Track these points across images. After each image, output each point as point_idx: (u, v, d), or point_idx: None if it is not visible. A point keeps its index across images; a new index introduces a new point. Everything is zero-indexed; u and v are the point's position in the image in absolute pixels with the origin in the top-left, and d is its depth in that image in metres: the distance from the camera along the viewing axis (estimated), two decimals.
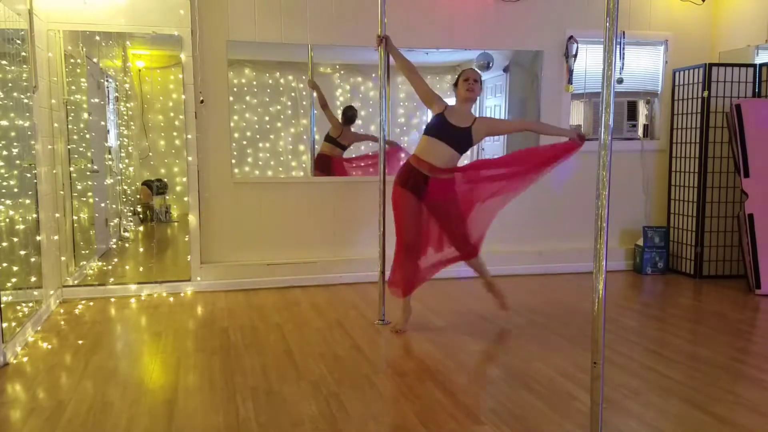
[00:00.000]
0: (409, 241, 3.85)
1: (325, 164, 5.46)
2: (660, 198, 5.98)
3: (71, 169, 4.76)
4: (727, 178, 5.40)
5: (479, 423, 2.63)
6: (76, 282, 4.83)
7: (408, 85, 5.77)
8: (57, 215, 4.62)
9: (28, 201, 3.92)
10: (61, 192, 4.69)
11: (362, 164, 5.61)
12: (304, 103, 5.51)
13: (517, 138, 5.86)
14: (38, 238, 4.09)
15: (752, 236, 4.94)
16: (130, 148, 5.39)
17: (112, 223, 5.39)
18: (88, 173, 5.02)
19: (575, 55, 5.61)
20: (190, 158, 4.95)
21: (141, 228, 5.50)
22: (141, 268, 5.17)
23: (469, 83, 3.82)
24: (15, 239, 3.70)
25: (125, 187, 5.40)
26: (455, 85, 3.92)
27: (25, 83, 3.93)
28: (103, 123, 5.23)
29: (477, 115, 3.89)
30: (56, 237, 4.60)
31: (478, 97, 3.88)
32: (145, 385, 3.08)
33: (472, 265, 4.06)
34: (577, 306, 4.58)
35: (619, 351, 3.53)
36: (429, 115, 5.81)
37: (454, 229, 3.91)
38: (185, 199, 5.00)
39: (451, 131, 3.81)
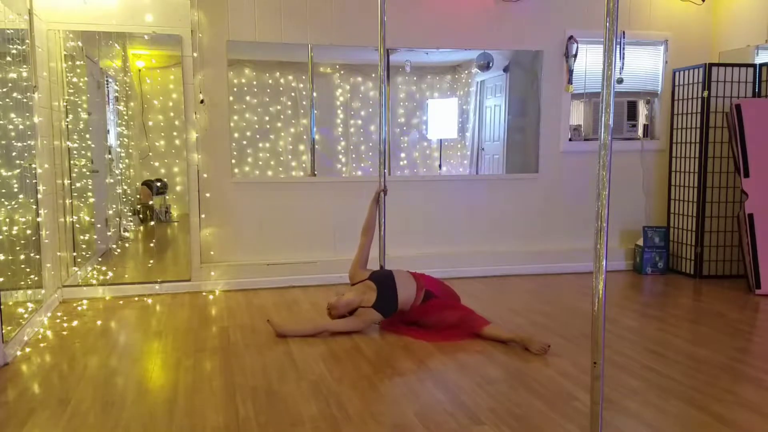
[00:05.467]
0: None
1: None
2: (660, 198, 5.98)
3: (71, 168, 4.76)
4: (727, 178, 5.40)
5: (479, 423, 2.63)
6: (76, 282, 4.83)
7: (408, 85, 5.81)
8: (57, 215, 4.62)
9: (28, 200, 3.92)
10: (61, 192, 4.69)
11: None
12: (304, 103, 5.51)
13: (517, 139, 5.86)
14: (38, 237, 4.09)
15: (752, 236, 4.94)
16: (130, 148, 5.39)
17: (112, 223, 5.39)
18: (88, 173, 5.02)
19: (575, 55, 5.61)
20: (190, 158, 4.96)
21: (141, 228, 5.50)
22: (141, 268, 5.16)
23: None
24: (15, 239, 3.70)
25: (125, 187, 5.40)
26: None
27: (25, 83, 3.94)
28: (103, 123, 5.23)
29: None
30: (56, 237, 4.60)
31: (340, 311, 3.90)
32: (145, 385, 3.08)
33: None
34: (577, 306, 4.58)
35: (619, 351, 3.53)
36: (428, 116, 5.84)
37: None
38: (185, 199, 5.01)
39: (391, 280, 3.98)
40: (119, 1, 4.69)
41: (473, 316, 3.86)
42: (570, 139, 5.79)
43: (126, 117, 5.31)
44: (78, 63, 4.88)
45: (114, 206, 5.35)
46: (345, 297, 3.90)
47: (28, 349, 3.58)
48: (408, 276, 4.01)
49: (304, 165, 5.55)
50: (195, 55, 4.89)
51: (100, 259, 5.21)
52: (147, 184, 5.39)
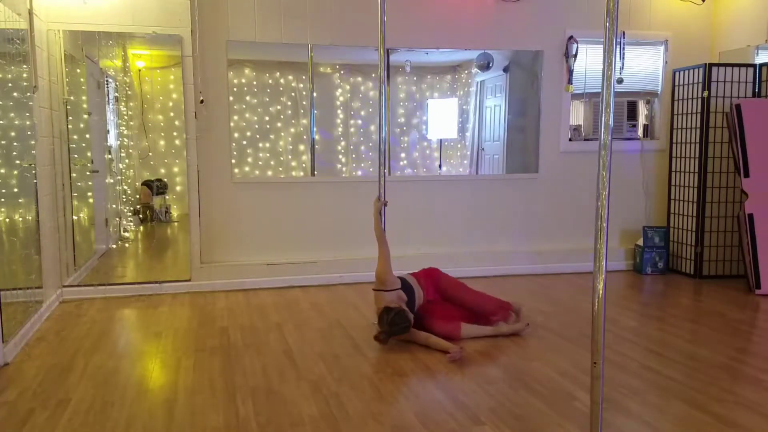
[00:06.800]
0: None
1: None
2: (660, 198, 5.98)
3: (71, 168, 4.76)
4: (727, 178, 5.40)
5: (479, 423, 2.63)
6: (76, 282, 4.83)
7: (408, 85, 5.81)
8: (57, 215, 4.62)
9: (28, 201, 3.92)
10: (61, 192, 4.69)
11: None
12: (304, 103, 5.50)
13: (517, 139, 5.86)
14: (38, 237, 4.09)
15: (752, 236, 4.94)
16: (130, 148, 5.39)
17: (112, 223, 5.39)
18: (88, 173, 5.02)
19: (575, 55, 5.61)
20: (189, 158, 4.96)
21: (141, 228, 5.50)
22: (141, 268, 5.16)
23: None
24: (15, 239, 3.70)
25: (125, 187, 5.40)
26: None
27: (25, 83, 3.94)
28: (103, 123, 5.23)
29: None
30: (56, 237, 4.60)
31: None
32: (145, 385, 3.08)
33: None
34: (577, 306, 4.58)
35: (619, 351, 3.54)
36: (428, 116, 5.84)
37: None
38: (185, 199, 5.01)
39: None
40: (119, 1, 4.69)
41: (450, 326, 3.78)
42: (570, 139, 5.79)
43: (126, 117, 5.31)
44: (78, 63, 4.88)
45: (114, 206, 5.35)
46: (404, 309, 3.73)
47: (28, 349, 3.59)
48: (416, 283, 3.97)
49: (304, 165, 5.55)
50: (195, 55, 4.88)
51: (99, 259, 5.21)
52: (147, 184, 5.39)
